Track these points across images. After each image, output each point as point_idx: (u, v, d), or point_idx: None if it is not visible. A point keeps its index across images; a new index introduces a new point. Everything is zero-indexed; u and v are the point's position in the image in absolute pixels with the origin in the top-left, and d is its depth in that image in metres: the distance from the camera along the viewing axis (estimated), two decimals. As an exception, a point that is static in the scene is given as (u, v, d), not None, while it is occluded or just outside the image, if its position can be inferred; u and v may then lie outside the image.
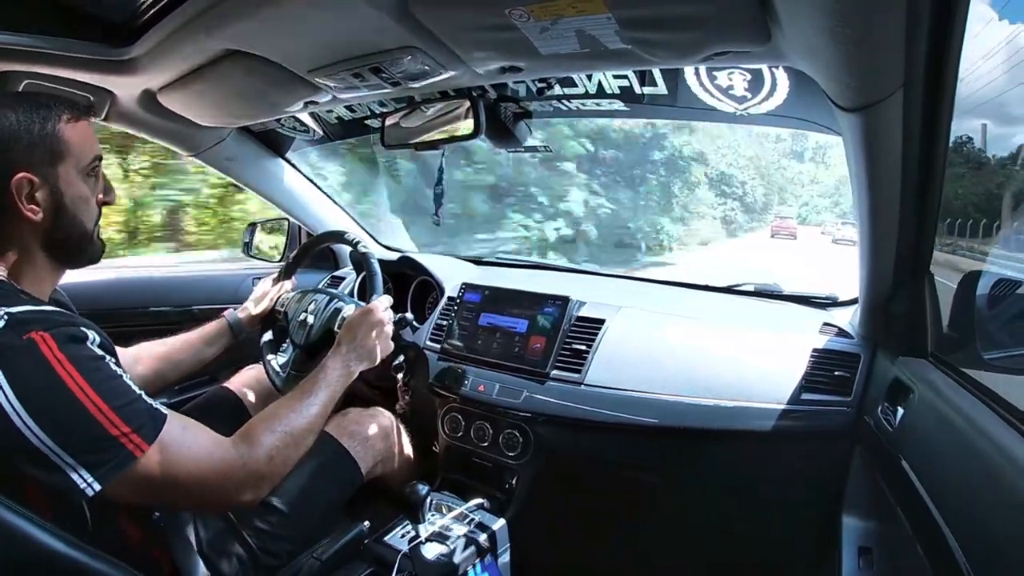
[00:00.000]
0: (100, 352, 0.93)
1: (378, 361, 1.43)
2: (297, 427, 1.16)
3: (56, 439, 0.83)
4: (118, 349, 1.22)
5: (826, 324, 1.54)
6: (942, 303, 1.17)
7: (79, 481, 0.85)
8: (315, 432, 1.21)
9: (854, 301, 1.59)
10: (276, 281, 1.80)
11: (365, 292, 1.60)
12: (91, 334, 0.93)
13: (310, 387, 1.27)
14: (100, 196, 1.08)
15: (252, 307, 1.72)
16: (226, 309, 1.68)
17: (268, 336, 1.72)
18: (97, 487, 0.86)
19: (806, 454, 1.42)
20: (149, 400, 0.95)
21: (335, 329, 1.54)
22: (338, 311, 1.60)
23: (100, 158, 1.05)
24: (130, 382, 0.94)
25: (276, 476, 1.12)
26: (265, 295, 1.75)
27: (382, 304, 1.47)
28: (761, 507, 1.48)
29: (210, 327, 1.63)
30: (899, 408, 1.12)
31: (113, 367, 0.93)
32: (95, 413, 0.86)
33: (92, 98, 1.57)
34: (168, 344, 1.55)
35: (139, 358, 1.47)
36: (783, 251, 15.26)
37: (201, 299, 2.20)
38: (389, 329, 1.47)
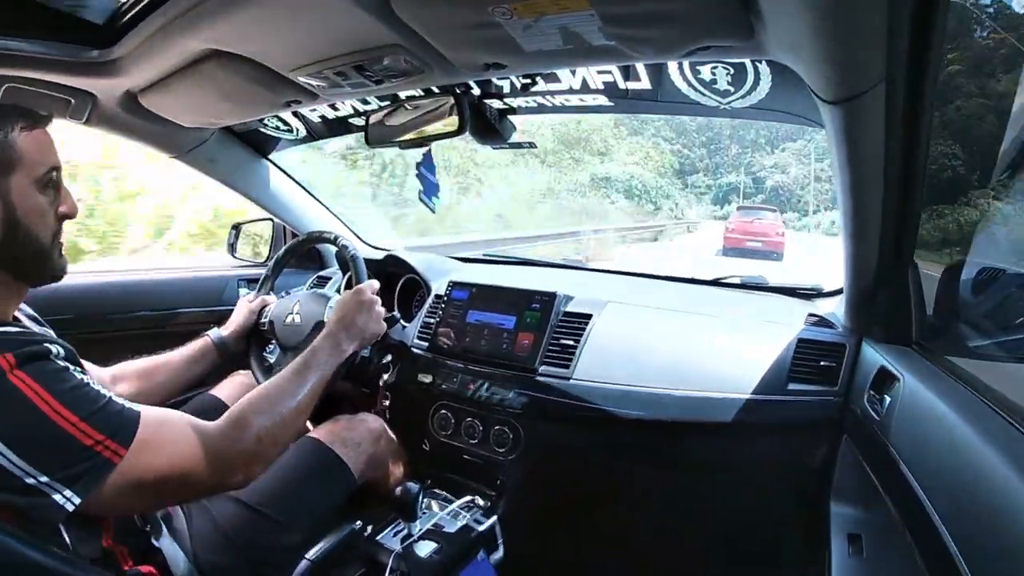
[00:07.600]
0: (63, 364, 0.89)
1: (369, 341, 1.42)
2: (287, 408, 1.14)
3: (29, 460, 0.80)
4: (96, 367, 1.18)
5: (811, 315, 1.55)
6: (926, 292, 1.18)
7: (58, 499, 0.82)
8: (305, 414, 1.19)
9: (839, 291, 1.60)
10: (256, 296, 1.76)
11: (351, 288, 1.58)
12: (54, 348, 0.90)
13: (300, 368, 1.23)
14: (61, 208, 1.01)
15: (235, 324, 1.67)
16: (212, 311, 1.65)
17: (256, 348, 1.70)
18: (77, 500, 0.83)
19: (794, 444, 1.43)
20: (121, 401, 0.92)
21: (323, 319, 1.53)
22: (325, 300, 1.60)
23: (58, 168, 0.99)
24: (98, 387, 0.91)
25: (267, 457, 1.09)
26: (248, 311, 1.71)
27: (370, 286, 1.46)
28: (751, 497, 1.50)
29: (192, 346, 1.57)
30: (885, 396, 1.14)
31: (78, 375, 0.90)
32: (65, 426, 0.83)
33: (72, 101, 1.55)
34: (149, 362, 1.49)
35: (118, 377, 1.42)
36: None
37: (186, 302, 2.17)
38: (380, 310, 1.45)
